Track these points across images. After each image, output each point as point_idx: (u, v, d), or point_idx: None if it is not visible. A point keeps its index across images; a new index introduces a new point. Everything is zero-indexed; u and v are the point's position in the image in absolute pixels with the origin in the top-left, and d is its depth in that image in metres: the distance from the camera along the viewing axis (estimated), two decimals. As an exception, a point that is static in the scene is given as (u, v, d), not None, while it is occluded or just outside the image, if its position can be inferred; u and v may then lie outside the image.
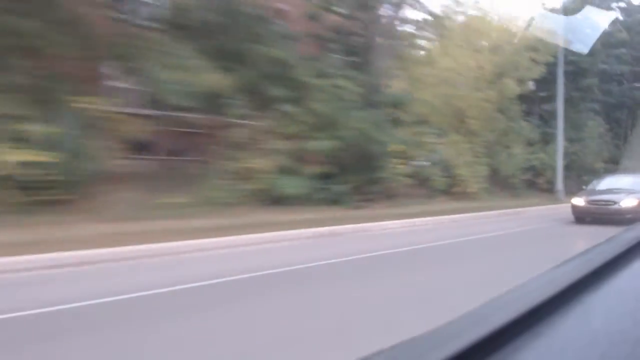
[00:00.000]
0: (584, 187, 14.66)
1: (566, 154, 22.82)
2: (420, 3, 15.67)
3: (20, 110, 8.45)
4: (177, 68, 9.66)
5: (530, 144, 23.12)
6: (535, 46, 21.25)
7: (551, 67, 22.20)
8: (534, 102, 25.68)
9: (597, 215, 12.02)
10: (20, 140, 8.16)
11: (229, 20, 12.67)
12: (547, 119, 25.51)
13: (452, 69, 18.83)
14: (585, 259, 0.85)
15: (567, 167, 23.08)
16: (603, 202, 12.24)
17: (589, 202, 12.53)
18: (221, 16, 12.65)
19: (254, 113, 12.00)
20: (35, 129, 8.43)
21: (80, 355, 3.26)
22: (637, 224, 1.08)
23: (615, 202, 11.98)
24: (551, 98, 24.59)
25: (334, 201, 13.13)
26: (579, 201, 12.81)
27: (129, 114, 10.16)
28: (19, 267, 5.88)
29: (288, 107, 12.53)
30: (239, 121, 12.05)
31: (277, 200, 12.00)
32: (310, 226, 9.85)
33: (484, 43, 20.57)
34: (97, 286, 5.29)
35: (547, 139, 23.77)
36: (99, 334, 3.63)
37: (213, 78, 10.02)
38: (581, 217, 12.61)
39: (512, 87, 20.44)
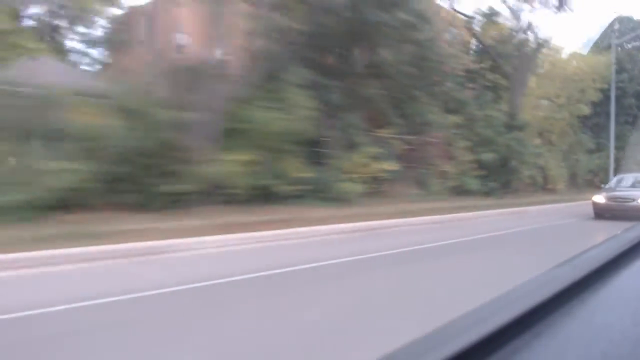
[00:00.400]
0: (602, 185, 15.66)
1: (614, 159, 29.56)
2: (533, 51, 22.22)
3: (362, 140, 14.97)
4: (430, 112, 16.23)
5: (588, 152, 29.89)
6: (596, 78, 27.99)
7: (603, 91, 28.90)
8: (586, 118, 32.45)
9: (616, 212, 12.42)
10: (370, 157, 14.67)
11: (417, 69, 18.96)
12: (597, 132, 32.28)
13: (541, 96, 25.47)
14: (586, 259, 0.86)
15: (614, 170, 29.80)
16: (622, 200, 12.69)
17: (609, 199, 13.00)
18: (410, 66, 18.81)
19: (448, 135, 18.55)
20: (372, 150, 14.92)
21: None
22: (638, 224, 1.12)
23: (633, 200, 12.44)
24: (599, 114, 31.35)
25: (487, 193, 19.68)
26: (600, 199, 13.30)
27: (395, 138, 16.68)
28: (383, 226, 11.91)
29: (463, 131, 19.10)
30: (437, 141, 18.61)
31: (462, 192, 18.55)
32: (487, 209, 16.23)
33: (561, 75, 27.19)
34: (425, 238, 9.71)
35: (600, 148, 30.53)
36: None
37: (447, 117, 16.60)
38: (601, 213, 13.04)
39: (583, 110, 27.15)
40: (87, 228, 7.92)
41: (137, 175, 8.97)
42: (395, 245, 8.61)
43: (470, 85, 23.15)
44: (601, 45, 35.05)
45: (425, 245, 8.73)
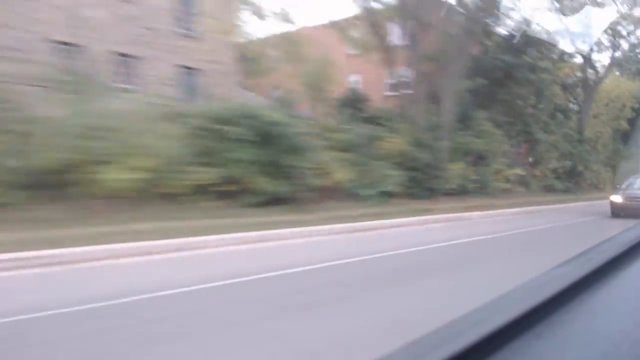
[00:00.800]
0: (617, 186, 16.80)
1: (643, 164, 36.46)
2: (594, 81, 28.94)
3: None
4: (537, 132, 22.95)
5: (623, 158, 36.75)
6: (631, 98, 34.78)
7: (635, 109, 35.73)
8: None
9: (632, 211, 13.13)
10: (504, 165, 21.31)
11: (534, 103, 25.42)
12: (625, 140, 39.14)
13: (593, 115, 32.32)
14: (586, 259, 0.86)
15: (643, 173, 36.77)
16: (638, 199, 13.60)
17: (626, 198, 13.90)
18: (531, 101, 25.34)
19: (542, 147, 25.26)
20: (503, 160, 21.55)
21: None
22: (638, 224, 1.13)
23: None
24: (631, 127, 38.21)
25: (565, 191, 26.43)
26: (617, 198, 14.25)
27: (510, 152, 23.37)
28: (529, 211, 18.76)
29: (549, 145, 25.84)
30: (523, 152, 25.29)
31: (549, 190, 25.26)
32: (574, 202, 22.95)
33: (606, 97, 33.96)
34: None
35: (631, 155, 37.41)
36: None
37: (544, 135, 23.35)
38: (617, 212, 13.93)
39: (622, 126, 33.98)
40: (407, 207, 14.55)
41: (420, 178, 15.65)
42: (550, 221, 14.45)
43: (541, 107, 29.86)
44: (626, 67, 41.86)
45: (567, 223, 14.73)
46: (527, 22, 21.15)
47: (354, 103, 23.69)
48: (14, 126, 8.50)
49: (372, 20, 18.49)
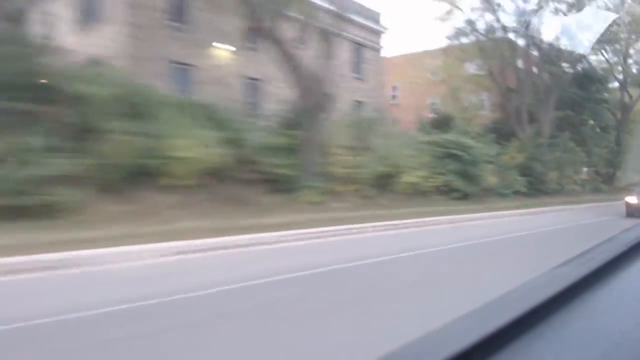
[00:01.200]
0: (631, 188, 18.17)
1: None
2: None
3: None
4: (592, 146, 29.63)
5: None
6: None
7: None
8: None
9: None
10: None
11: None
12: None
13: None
14: (586, 259, 0.87)
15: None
16: None
17: None
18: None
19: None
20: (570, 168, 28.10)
21: None
22: (638, 225, 1.13)
23: None
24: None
25: (607, 192, 33.00)
26: (633, 199, 15.15)
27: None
28: (594, 206, 25.36)
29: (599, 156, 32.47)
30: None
31: (597, 190, 31.80)
32: (619, 200, 29.47)
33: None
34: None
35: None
36: None
37: (595, 148, 30.02)
38: (632, 212, 14.58)
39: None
40: (530, 201, 21.01)
41: (533, 182, 22.22)
42: (609, 213, 20.77)
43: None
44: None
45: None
46: (588, 62, 27.81)
47: (441, 123, 30.26)
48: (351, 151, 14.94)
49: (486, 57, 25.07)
